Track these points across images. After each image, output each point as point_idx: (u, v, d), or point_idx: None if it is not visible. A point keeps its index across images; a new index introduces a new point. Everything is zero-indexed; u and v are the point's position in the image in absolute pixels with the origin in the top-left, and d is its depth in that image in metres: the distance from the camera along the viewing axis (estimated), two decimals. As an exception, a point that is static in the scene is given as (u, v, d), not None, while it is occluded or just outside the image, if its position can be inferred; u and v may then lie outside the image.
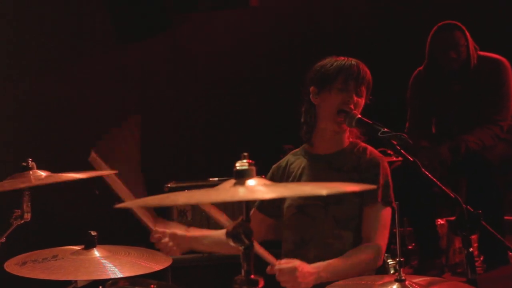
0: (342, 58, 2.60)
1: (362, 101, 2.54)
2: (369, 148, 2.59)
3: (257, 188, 1.60)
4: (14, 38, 4.22)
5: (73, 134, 4.37)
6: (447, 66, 3.73)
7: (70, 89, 4.42)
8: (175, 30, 4.80)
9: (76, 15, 4.49)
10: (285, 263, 2.27)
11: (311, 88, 2.60)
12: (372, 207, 2.47)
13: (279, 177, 2.66)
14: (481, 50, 3.81)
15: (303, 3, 4.88)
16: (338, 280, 2.20)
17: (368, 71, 2.58)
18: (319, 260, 2.40)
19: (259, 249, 2.16)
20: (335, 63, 2.57)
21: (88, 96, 4.48)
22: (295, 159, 2.67)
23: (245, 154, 1.66)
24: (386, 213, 2.48)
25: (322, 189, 1.57)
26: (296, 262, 2.28)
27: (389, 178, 2.54)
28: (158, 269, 2.36)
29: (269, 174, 2.69)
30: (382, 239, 2.45)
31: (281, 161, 2.71)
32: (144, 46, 4.74)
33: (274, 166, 2.71)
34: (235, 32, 4.82)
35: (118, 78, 4.63)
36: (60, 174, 2.27)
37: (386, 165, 2.55)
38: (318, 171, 2.57)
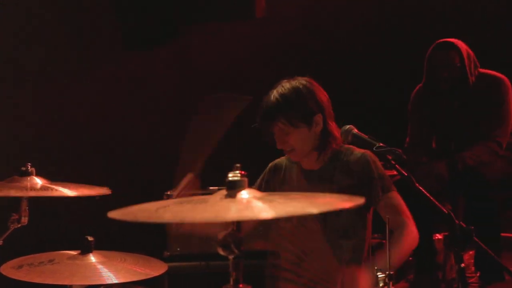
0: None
1: (291, 132, 2.51)
2: (352, 148, 2.58)
3: (249, 202, 1.62)
4: (20, 45, 4.27)
5: (77, 141, 4.41)
6: (440, 84, 3.75)
7: (76, 96, 4.46)
8: (182, 40, 4.84)
9: (84, 23, 4.54)
10: None
11: None
12: (380, 203, 2.51)
13: (275, 180, 2.67)
14: (486, 67, 3.82)
15: (309, 14, 4.91)
16: None
17: (276, 106, 2.51)
18: (321, 271, 2.47)
19: None
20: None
21: (93, 103, 4.52)
22: (291, 166, 2.66)
23: (238, 165, 1.69)
24: (394, 197, 2.54)
25: (313, 208, 1.59)
26: None
27: (381, 168, 2.56)
28: (153, 275, 2.39)
29: (266, 172, 2.70)
30: (406, 216, 2.52)
31: (279, 160, 2.71)
32: (151, 55, 4.78)
33: (271, 164, 2.71)
34: (241, 43, 4.85)
35: (124, 86, 4.67)
36: (54, 188, 2.30)
37: (375, 157, 2.55)
38: (313, 186, 2.56)
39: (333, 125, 2.57)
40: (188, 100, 4.81)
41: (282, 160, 2.71)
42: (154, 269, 2.42)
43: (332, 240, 2.52)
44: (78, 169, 4.21)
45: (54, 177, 2.40)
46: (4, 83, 4.21)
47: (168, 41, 4.79)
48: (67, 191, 2.34)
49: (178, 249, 3.48)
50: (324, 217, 2.51)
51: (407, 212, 2.55)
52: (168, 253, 3.47)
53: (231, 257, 1.57)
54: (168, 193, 3.62)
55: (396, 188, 2.60)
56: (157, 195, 3.59)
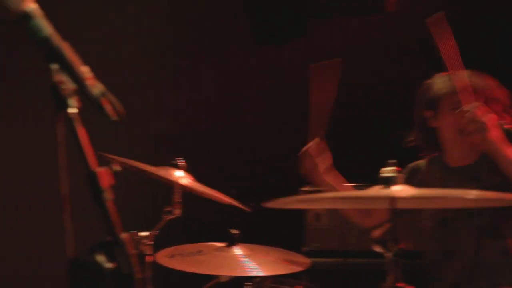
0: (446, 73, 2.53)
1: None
2: None
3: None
4: (149, 40, 4.44)
5: (209, 133, 4.53)
6: None
7: (205, 89, 4.58)
8: (309, 36, 4.83)
9: (215, 18, 4.65)
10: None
11: (426, 113, 2.59)
12: None
13: (412, 180, 2.58)
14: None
15: (441, 7, 4.71)
16: None
17: (480, 81, 2.50)
18: (466, 272, 2.39)
19: None
20: (440, 82, 2.57)
21: (226, 98, 4.62)
22: (429, 167, 2.61)
23: (392, 161, 1.67)
24: None
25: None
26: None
27: None
28: (297, 270, 2.41)
29: (405, 171, 2.63)
30: None
31: (418, 162, 2.67)
32: (279, 50, 4.81)
33: (410, 165, 2.67)
34: (370, 38, 4.76)
35: (251, 81, 4.74)
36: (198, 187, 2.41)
37: None
38: (454, 183, 2.44)
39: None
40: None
41: (421, 162, 2.66)
42: (297, 263, 2.44)
43: (477, 239, 2.42)
44: (213, 163, 4.35)
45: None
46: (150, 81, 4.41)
47: (297, 37, 4.80)
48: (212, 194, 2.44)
49: (317, 245, 3.47)
50: (469, 216, 2.41)
51: None
52: (306, 249, 3.47)
53: (387, 255, 1.55)
54: (304, 189, 3.63)
55: None
56: (291, 190, 3.62)
